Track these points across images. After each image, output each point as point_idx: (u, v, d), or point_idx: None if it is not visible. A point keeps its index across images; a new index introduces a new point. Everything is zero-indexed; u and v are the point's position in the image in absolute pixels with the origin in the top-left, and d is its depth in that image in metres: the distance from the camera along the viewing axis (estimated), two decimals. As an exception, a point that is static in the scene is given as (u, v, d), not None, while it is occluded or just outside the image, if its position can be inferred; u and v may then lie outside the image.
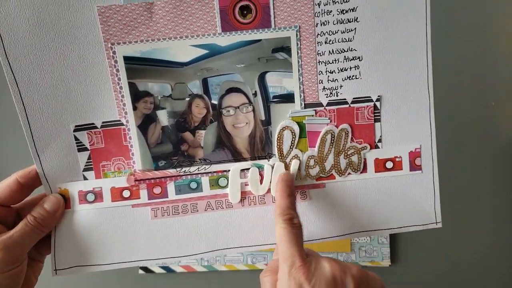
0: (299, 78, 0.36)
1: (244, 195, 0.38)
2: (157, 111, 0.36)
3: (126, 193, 0.37)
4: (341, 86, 0.37)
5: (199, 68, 0.35)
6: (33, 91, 0.34)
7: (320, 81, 0.37)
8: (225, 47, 0.35)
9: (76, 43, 0.34)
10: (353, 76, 0.37)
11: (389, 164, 0.38)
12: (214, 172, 0.37)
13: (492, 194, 0.60)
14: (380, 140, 0.38)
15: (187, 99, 0.36)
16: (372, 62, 0.37)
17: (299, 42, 0.36)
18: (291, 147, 0.37)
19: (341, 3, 0.35)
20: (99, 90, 0.35)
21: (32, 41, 0.33)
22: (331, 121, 0.37)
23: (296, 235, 0.32)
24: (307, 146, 0.38)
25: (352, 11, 0.36)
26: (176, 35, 0.34)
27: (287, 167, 0.38)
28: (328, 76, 0.37)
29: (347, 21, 0.36)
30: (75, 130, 0.35)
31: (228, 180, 0.37)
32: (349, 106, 0.37)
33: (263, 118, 0.37)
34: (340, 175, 0.38)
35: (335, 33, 0.36)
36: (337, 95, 0.37)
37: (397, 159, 0.38)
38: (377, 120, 0.38)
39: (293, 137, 0.37)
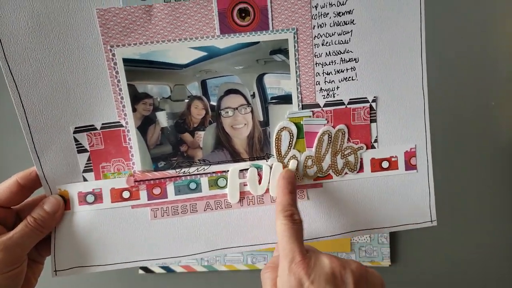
0: (296, 79, 0.37)
1: (243, 195, 0.38)
2: (156, 113, 0.36)
3: (125, 194, 0.37)
4: (337, 87, 0.38)
5: (198, 70, 0.36)
6: (33, 93, 0.34)
7: (317, 83, 0.37)
8: (224, 49, 0.36)
9: (76, 46, 0.34)
10: (349, 77, 0.37)
11: (385, 164, 0.39)
12: (213, 172, 0.38)
13: (492, 194, 0.60)
14: (376, 140, 0.39)
15: (186, 100, 0.37)
16: (368, 63, 0.37)
17: (296, 44, 0.36)
18: (289, 147, 0.38)
19: (338, 6, 0.36)
20: (98, 92, 0.35)
21: (32, 44, 0.33)
22: (328, 121, 0.38)
23: (296, 231, 0.32)
24: (304, 146, 0.38)
25: (349, 13, 0.36)
26: (175, 37, 0.35)
27: (285, 167, 0.38)
28: (325, 77, 0.37)
29: (343, 24, 0.36)
30: (74, 132, 0.35)
31: (227, 181, 0.38)
32: (346, 107, 0.38)
33: (261, 119, 0.38)
34: (337, 175, 0.39)
35: (332, 35, 0.36)
36: (333, 96, 0.38)
37: (392, 159, 0.39)
38: (373, 120, 0.38)
39: (291, 138, 0.38)
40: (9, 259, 0.32)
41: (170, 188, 0.37)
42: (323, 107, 0.38)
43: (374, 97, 0.38)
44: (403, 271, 0.59)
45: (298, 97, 0.37)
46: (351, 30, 0.37)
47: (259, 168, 0.38)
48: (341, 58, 0.37)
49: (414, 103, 0.38)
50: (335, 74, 0.37)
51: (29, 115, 0.34)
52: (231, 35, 0.35)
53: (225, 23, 0.35)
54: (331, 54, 0.37)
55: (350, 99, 0.38)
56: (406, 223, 0.40)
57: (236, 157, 0.38)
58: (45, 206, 0.35)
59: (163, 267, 0.57)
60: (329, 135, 0.38)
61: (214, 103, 0.37)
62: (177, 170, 0.37)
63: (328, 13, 0.36)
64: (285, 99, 0.37)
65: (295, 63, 0.37)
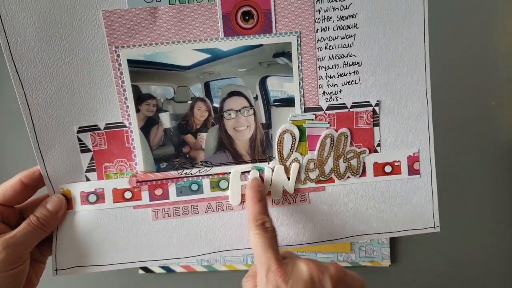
0: (299, 82, 0.37)
1: (244, 197, 0.38)
2: (159, 114, 0.37)
3: (127, 194, 0.37)
4: (340, 91, 0.38)
5: (202, 71, 0.36)
6: (38, 93, 0.34)
7: (320, 86, 0.37)
8: (227, 52, 0.36)
9: (81, 46, 0.34)
10: (352, 81, 0.37)
11: (387, 168, 0.39)
12: (215, 174, 0.38)
13: (492, 194, 0.60)
14: (379, 144, 0.39)
15: (189, 102, 0.37)
16: (371, 67, 0.37)
17: (299, 48, 0.36)
18: (291, 150, 0.38)
19: (341, 10, 0.36)
20: (102, 92, 0.35)
21: (38, 44, 0.34)
22: (330, 125, 0.38)
23: (269, 239, 0.32)
24: (307, 149, 0.38)
25: (352, 17, 0.36)
26: (179, 39, 0.35)
27: (287, 170, 0.38)
28: (328, 81, 0.37)
29: (346, 27, 0.36)
30: (78, 132, 0.36)
31: (228, 183, 0.38)
32: (349, 110, 0.38)
33: (264, 121, 0.38)
34: (340, 178, 0.39)
35: (335, 39, 0.37)
36: (336, 100, 0.38)
37: (395, 163, 0.39)
38: (376, 124, 0.38)
39: (293, 141, 0.38)
40: (12, 258, 0.33)
41: (172, 189, 0.38)
42: (325, 110, 0.38)
43: (377, 101, 0.38)
44: (403, 271, 0.58)
45: (300, 100, 0.37)
46: (354, 34, 0.37)
47: (261, 171, 0.38)
48: (344, 61, 0.37)
49: (418, 107, 0.38)
50: (338, 77, 0.37)
51: (34, 114, 0.35)
52: (235, 38, 0.36)
53: (229, 26, 0.35)
54: (334, 58, 0.37)
55: (353, 103, 0.38)
56: (409, 229, 0.39)
57: (238, 159, 0.38)
58: (48, 205, 0.35)
59: (163, 267, 0.57)
60: (331, 138, 0.38)
61: (217, 105, 0.37)
62: (179, 171, 0.37)
63: (331, 17, 0.36)
64: (288, 102, 0.37)
65: (298, 66, 0.37)
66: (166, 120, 0.37)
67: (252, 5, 0.35)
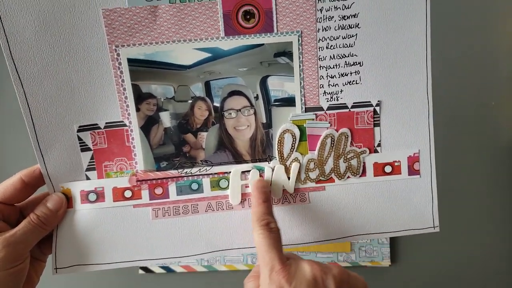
0: (300, 82, 0.37)
1: (244, 196, 0.38)
2: (160, 113, 0.36)
3: (127, 193, 0.37)
4: (341, 91, 0.37)
5: (202, 71, 0.36)
6: (38, 92, 0.34)
7: (321, 86, 0.37)
8: (228, 51, 0.36)
9: (81, 45, 0.34)
10: (353, 81, 0.37)
11: (388, 168, 0.39)
12: (215, 173, 0.38)
13: (492, 194, 0.60)
14: (379, 145, 0.39)
15: (190, 101, 0.37)
16: (373, 67, 0.37)
17: (300, 47, 0.36)
18: (292, 150, 0.38)
19: (343, 9, 0.36)
20: (103, 91, 0.35)
21: (38, 43, 0.33)
22: (331, 125, 0.38)
23: (274, 239, 0.32)
24: (307, 149, 0.38)
25: (354, 17, 0.36)
26: (179, 38, 0.35)
27: (287, 169, 0.38)
28: (329, 80, 0.37)
29: (348, 27, 0.36)
30: (78, 131, 0.36)
31: (228, 182, 0.38)
32: (349, 110, 0.38)
33: (264, 121, 0.38)
34: (340, 178, 0.39)
35: (337, 38, 0.36)
36: (337, 100, 0.38)
37: (395, 164, 0.39)
38: (377, 124, 0.38)
39: (293, 140, 0.38)
40: (12, 256, 0.33)
41: (172, 188, 0.38)
42: (326, 110, 0.38)
43: (378, 101, 0.38)
44: (403, 271, 0.58)
45: (301, 99, 0.37)
46: (356, 34, 0.36)
47: (261, 170, 0.38)
48: (346, 61, 0.37)
49: (418, 108, 0.38)
50: (339, 77, 0.37)
51: (34, 113, 0.34)
52: (236, 37, 0.35)
53: (229, 25, 0.35)
54: (336, 58, 0.37)
55: (353, 103, 0.38)
56: (408, 229, 0.39)
57: (238, 159, 0.38)
58: (48, 204, 0.35)
59: (163, 267, 0.57)
60: (332, 138, 0.38)
61: (217, 104, 0.37)
62: (179, 170, 0.37)
63: (333, 17, 0.36)
64: (289, 101, 0.37)
65: (299, 66, 0.37)
66: (166, 119, 0.37)
67: (253, 4, 0.35)
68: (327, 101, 0.38)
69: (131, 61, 0.35)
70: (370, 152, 0.38)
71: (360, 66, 0.37)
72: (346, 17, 0.36)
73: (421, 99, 0.38)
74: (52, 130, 0.35)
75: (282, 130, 0.38)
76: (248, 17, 0.35)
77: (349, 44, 0.37)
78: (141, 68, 0.35)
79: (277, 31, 0.36)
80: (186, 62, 0.36)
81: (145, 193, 0.37)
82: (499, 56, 0.60)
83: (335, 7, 0.36)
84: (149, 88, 0.36)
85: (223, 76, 0.36)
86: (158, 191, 0.37)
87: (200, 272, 0.57)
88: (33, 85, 0.34)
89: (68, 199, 0.37)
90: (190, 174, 0.38)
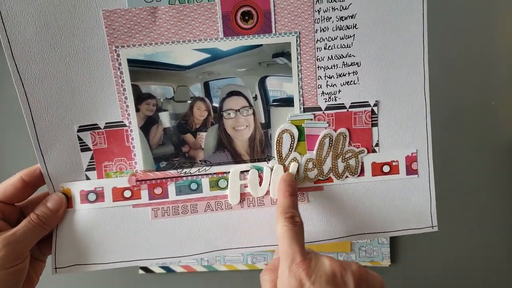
0: (298, 82, 0.37)
1: (243, 196, 0.38)
2: (159, 113, 0.37)
3: (127, 193, 0.37)
4: (339, 91, 0.38)
5: (201, 71, 0.36)
6: (39, 92, 0.34)
7: (319, 86, 0.38)
8: (227, 52, 0.36)
9: (81, 46, 0.34)
10: (351, 81, 0.38)
11: (386, 168, 0.39)
12: (214, 173, 0.38)
13: (492, 194, 0.60)
14: (377, 144, 0.39)
15: (189, 101, 0.37)
16: (370, 68, 0.37)
17: (299, 48, 0.37)
18: (290, 150, 0.38)
19: (340, 10, 0.36)
20: (103, 91, 0.36)
21: (39, 43, 0.34)
22: (329, 125, 0.38)
23: (297, 233, 0.32)
24: (305, 149, 0.38)
25: (351, 18, 0.36)
26: (179, 39, 0.35)
27: (286, 169, 0.38)
28: (327, 81, 0.37)
29: (346, 28, 0.37)
30: (78, 131, 0.36)
31: (227, 182, 0.38)
32: (347, 110, 0.38)
33: (263, 121, 0.38)
34: (338, 178, 0.39)
35: (334, 39, 0.37)
36: (335, 100, 0.38)
37: (393, 163, 0.39)
38: (375, 124, 0.38)
39: (292, 140, 0.38)
40: (12, 255, 0.33)
41: (171, 188, 0.38)
42: (324, 110, 0.38)
43: (376, 101, 0.38)
44: (403, 271, 0.58)
45: (299, 100, 0.38)
46: (354, 35, 0.37)
47: (260, 170, 0.38)
48: (343, 62, 0.37)
49: (416, 107, 0.38)
50: (337, 77, 0.37)
51: (34, 113, 0.35)
52: (234, 38, 0.36)
53: (228, 26, 0.35)
54: (333, 58, 0.37)
55: (351, 103, 0.38)
56: (407, 228, 0.40)
57: (237, 159, 0.38)
58: (48, 204, 0.36)
59: (163, 267, 0.57)
60: (330, 138, 0.38)
61: (216, 104, 0.37)
62: (179, 170, 0.38)
63: (330, 17, 0.36)
64: (287, 101, 0.38)
65: (297, 66, 0.37)
66: (165, 119, 0.37)
67: (252, 5, 0.35)
68: (325, 101, 0.38)
69: (131, 62, 0.35)
70: (368, 152, 0.39)
71: (357, 66, 0.37)
72: (343, 18, 0.36)
73: (418, 99, 0.38)
74: (52, 130, 0.35)
75: (281, 130, 0.38)
76: (247, 18, 0.36)
77: (347, 45, 0.37)
78: (141, 68, 0.36)
79: (275, 32, 0.36)
80: (185, 62, 0.36)
81: (144, 193, 0.38)
82: (499, 56, 0.61)
83: (332, 8, 0.36)
84: (149, 88, 0.36)
85: (222, 77, 0.37)
86: (158, 191, 0.38)
87: (200, 272, 0.57)
88: (34, 85, 0.34)
89: (68, 199, 0.37)
90: (189, 174, 0.38)
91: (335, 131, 0.38)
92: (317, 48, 0.37)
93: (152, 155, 0.37)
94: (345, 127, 0.38)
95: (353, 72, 0.37)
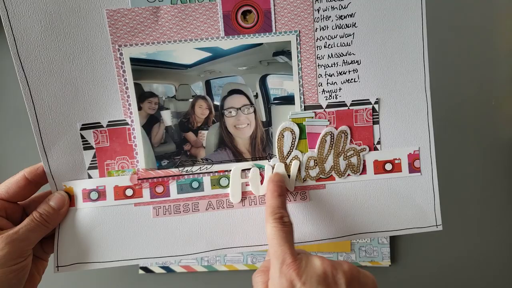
0: (299, 80, 0.38)
1: (244, 195, 0.38)
2: (161, 112, 0.37)
3: (129, 192, 0.38)
4: (340, 89, 0.38)
5: (203, 70, 0.37)
6: (43, 90, 0.35)
7: (320, 84, 0.38)
8: (228, 50, 0.36)
9: (85, 45, 0.35)
10: (351, 79, 0.38)
11: (388, 166, 0.39)
12: (216, 172, 0.38)
13: (492, 194, 0.59)
14: (379, 142, 0.39)
15: (191, 100, 0.37)
16: (370, 65, 0.38)
17: (299, 46, 0.37)
18: (291, 148, 0.38)
19: (340, 9, 0.37)
20: (105, 90, 0.36)
21: (44, 42, 0.34)
22: (330, 123, 0.38)
23: (286, 233, 0.32)
24: (307, 147, 0.38)
25: (351, 16, 0.37)
26: (180, 38, 0.36)
27: (287, 167, 0.38)
28: (328, 79, 0.38)
29: (345, 26, 0.37)
30: (81, 129, 0.36)
31: (229, 180, 0.38)
32: (348, 108, 0.38)
33: (264, 119, 0.38)
34: (340, 176, 0.39)
35: (334, 37, 0.37)
36: (336, 98, 0.38)
37: (396, 161, 0.39)
38: (376, 122, 0.38)
39: (293, 138, 0.38)
40: (15, 253, 0.33)
41: (173, 186, 0.38)
42: (325, 108, 0.38)
43: (377, 99, 0.38)
44: (403, 271, 0.57)
45: (300, 98, 0.38)
46: (353, 33, 0.37)
47: (261, 168, 0.38)
48: (344, 60, 0.38)
49: (417, 105, 0.38)
50: (337, 75, 0.38)
51: (38, 111, 0.35)
52: (235, 37, 0.36)
53: (229, 25, 0.36)
54: (334, 56, 0.37)
55: (352, 101, 0.38)
56: (410, 227, 0.39)
57: (238, 157, 0.38)
58: (51, 202, 0.36)
59: (163, 267, 0.57)
60: (331, 136, 0.38)
61: (217, 103, 0.38)
62: (180, 168, 0.38)
63: (330, 16, 0.37)
64: (288, 100, 0.38)
65: (298, 65, 0.37)
66: (167, 118, 0.37)
67: (252, 4, 0.36)
68: (326, 99, 0.38)
69: (133, 61, 0.36)
70: (370, 150, 0.39)
71: (358, 64, 0.38)
72: (343, 17, 0.37)
73: (419, 97, 0.38)
74: (55, 128, 0.36)
75: (282, 128, 0.38)
76: (247, 17, 0.36)
77: (347, 43, 0.37)
78: (143, 67, 0.36)
79: (275, 30, 0.36)
80: (187, 61, 0.36)
81: (146, 192, 0.38)
82: (499, 56, 0.61)
83: (332, 7, 0.37)
84: (151, 87, 0.37)
85: (223, 75, 0.37)
86: (159, 189, 0.38)
87: (200, 272, 0.57)
88: (39, 83, 0.35)
89: (70, 197, 0.37)
90: (190, 173, 0.38)
91: (336, 129, 0.38)
92: (317, 47, 0.37)
93: (154, 154, 0.37)
94: (346, 125, 0.38)
95: (354, 70, 0.38)
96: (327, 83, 0.38)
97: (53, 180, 0.37)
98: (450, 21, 0.60)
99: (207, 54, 0.36)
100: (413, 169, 0.39)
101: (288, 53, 0.37)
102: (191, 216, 0.38)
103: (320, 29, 0.37)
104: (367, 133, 0.38)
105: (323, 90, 0.38)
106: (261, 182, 0.38)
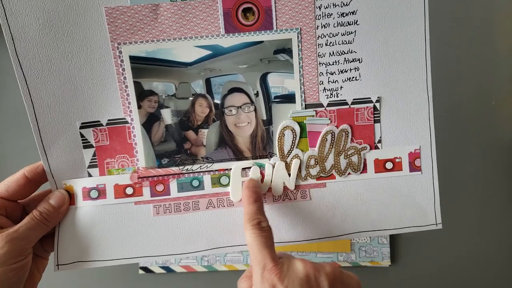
0: (300, 79, 0.37)
1: (245, 193, 0.38)
2: (161, 110, 0.37)
3: (129, 190, 0.37)
4: (341, 87, 0.38)
5: (203, 68, 0.36)
6: (42, 88, 0.35)
7: (321, 82, 0.37)
8: (228, 48, 0.36)
9: (84, 43, 0.35)
10: (353, 77, 0.38)
11: (388, 165, 0.39)
12: (216, 170, 0.38)
13: (492, 194, 0.60)
14: (379, 141, 0.39)
15: (191, 98, 0.37)
16: (372, 64, 0.37)
17: (300, 44, 0.37)
18: (292, 146, 0.38)
19: (342, 7, 0.36)
20: (105, 88, 0.36)
21: (42, 40, 0.34)
22: (331, 121, 0.38)
23: (266, 238, 0.32)
24: (307, 145, 0.38)
25: (352, 14, 0.36)
26: (180, 36, 0.35)
27: (288, 166, 0.38)
28: (329, 77, 0.37)
29: (347, 24, 0.37)
30: (81, 127, 0.36)
31: (229, 179, 0.38)
32: (349, 107, 0.38)
33: (265, 117, 0.38)
34: (340, 175, 0.39)
35: (336, 35, 0.37)
36: (337, 96, 0.38)
37: (396, 160, 0.39)
38: (377, 121, 0.38)
39: (294, 137, 0.38)
40: (15, 252, 0.33)
41: (173, 185, 0.38)
42: (326, 106, 0.38)
43: (378, 97, 0.38)
44: (403, 271, 0.58)
45: (301, 96, 0.37)
46: (355, 31, 0.37)
47: (261, 167, 0.38)
48: (345, 58, 0.37)
49: (418, 104, 0.38)
50: (338, 74, 0.37)
51: (37, 110, 0.35)
52: (236, 35, 0.36)
53: (229, 23, 0.36)
54: (335, 54, 0.37)
55: (353, 99, 0.38)
56: (410, 226, 0.39)
57: (239, 156, 0.38)
58: (51, 201, 0.36)
59: (163, 267, 0.57)
60: (332, 134, 0.38)
61: (218, 101, 0.37)
62: (180, 167, 0.38)
63: (331, 14, 0.36)
64: (289, 98, 0.38)
65: (299, 63, 0.37)
66: (167, 116, 0.37)
67: (253, 1, 0.35)
68: (327, 98, 0.38)
69: (133, 59, 0.35)
70: (370, 149, 0.38)
71: (359, 62, 0.37)
72: (344, 14, 0.36)
73: (421, 95, 0.38)
74: (55, 127, 0.36)
75: (283, 126, 0.38)
76: (248, 14, 0.36)
77: (348, 41, 0.37)
78: (143, 65, 0.36)
79: (276, 28, 0.36)
80: (187, 59, 0.36)
81: (146, 190, 0.38)
82: (499, 56, 0.60)
83: (333, 5, 0.36)
84: (151, 85, 0.36)
85: (223, 73, 0.37)
86: (159, 188, 0.38)
87: (200, 272, 0.57)
88: (37, 82, 0.35)
89: (70, 196, 0.37)
90: (191, 171, 0.38)
91: (337, 128, 0.38)
92: (319, 45, 0.37)
93: (154, 152, 0.37)
94: (347, 124, 0.38)
95: (355, 68, 0.37)
96: (328, 82, 0.38)
97: (53, 179, 0.36)
98: (450, 21, 0.60)
99: (207, 52, 0.36)
100: (413, 168, 0.39)
101: (289, 51, 0.37)
102: (192, 214, 0.38)
103: (322, 27, 0.37)
104: (368, 132, 0.38)
105: (324, 89, 0.38)
106: (262, 180, 0.38)
